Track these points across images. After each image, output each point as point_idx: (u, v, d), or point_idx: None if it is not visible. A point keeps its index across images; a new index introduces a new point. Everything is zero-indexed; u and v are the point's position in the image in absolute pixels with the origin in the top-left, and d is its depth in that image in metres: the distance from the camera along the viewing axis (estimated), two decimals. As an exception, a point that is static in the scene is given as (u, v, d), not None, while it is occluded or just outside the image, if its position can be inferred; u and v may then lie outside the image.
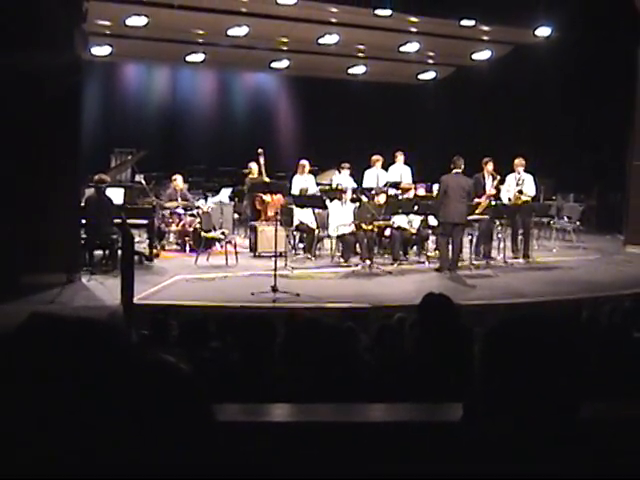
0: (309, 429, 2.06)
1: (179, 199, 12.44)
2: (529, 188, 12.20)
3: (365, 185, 13.29)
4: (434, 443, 1.93)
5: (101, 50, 15.91)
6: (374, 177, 13.38)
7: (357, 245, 11.56)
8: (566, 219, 14.57)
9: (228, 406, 2.22)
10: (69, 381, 0.81)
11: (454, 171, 10.87)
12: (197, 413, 0.87)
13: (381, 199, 11.90)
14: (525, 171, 12.24)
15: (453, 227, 10.66)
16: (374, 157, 13.43)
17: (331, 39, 16.08)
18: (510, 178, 12.24)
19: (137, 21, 14.42)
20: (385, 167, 13.63)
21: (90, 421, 0.78)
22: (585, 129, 15.71)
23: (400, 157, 13.70)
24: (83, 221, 9.98)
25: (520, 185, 12.14)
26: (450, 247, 10.80)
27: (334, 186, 13.09)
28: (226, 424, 1.91)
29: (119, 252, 9.69)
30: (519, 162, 12.19)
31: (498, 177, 11.94)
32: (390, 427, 2.10)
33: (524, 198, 12.13)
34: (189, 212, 12.42)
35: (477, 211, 11.41)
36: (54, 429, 0.77)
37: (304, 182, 12.59)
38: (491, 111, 17.30)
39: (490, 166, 11.92)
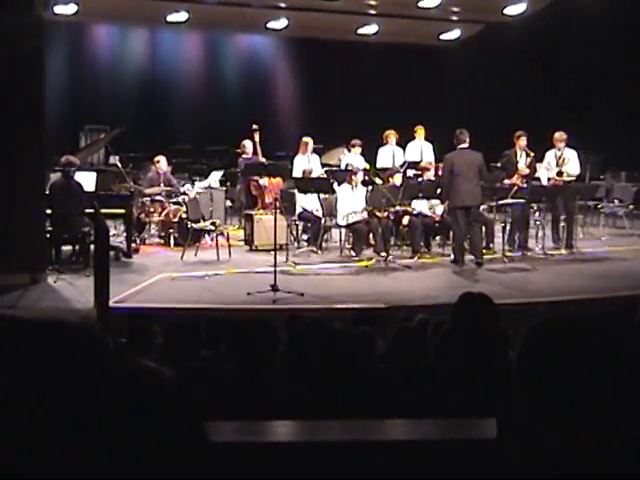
0: (316, 449, 2.07)
1: (162, 184, 12.45)
2: (573, 167, 12.14)
3: (379, 165, 13.28)
4: (462, 464, 1.94)
5: (66, 9, 15.86)
6: (389, 155, 13.37)
7: (370, 235, 11.56)
8: (617, 202, 14.52)
9: (222, 424, 2.23)
10: (32, 394, 0.81)
11: (459, 147, 10.88)
12: (185, 429, 0.87)
13: (397, 181, 11.88)
14: (568, 146, 12.18)
15: (466, 212, 10.68)
16: (387, 132, 13.42)
17: (337, -7, 16.02)
18: (550, 155, 12.19)
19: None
20: (403, 144, 13.62)
21: (59, 437, 0.79)
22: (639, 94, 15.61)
23: (420, 132, 13.68)
24: (48, 211, 10.00)
25: (561, 165, 12.07)
26: (470, 235, 10.81)
27: (343, 167, 13.07)
28: (220, 445, 1.92)
29: (92, 247, 9.71)
30: (559, 137, 12.11)
31: (532, 154, 11.90)
32: (410, 446, 2.11)
33: (566, 178, 12.09)
34: (173, 199, 12.43)
35: (509, 194, 11.40)
36: (18, 445, 0.78)
37: (307, 163, 12.59)
38: (526, 76, 17.21)
39: (523, 141, 11.88)
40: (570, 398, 1.40)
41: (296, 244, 12.12)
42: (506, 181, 11.69)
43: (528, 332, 1.50)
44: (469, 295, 3.96)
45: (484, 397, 3.21)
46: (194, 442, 0.87)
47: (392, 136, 13.41)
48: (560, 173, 12.02)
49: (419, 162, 13.07)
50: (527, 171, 11.87)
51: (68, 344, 0.85)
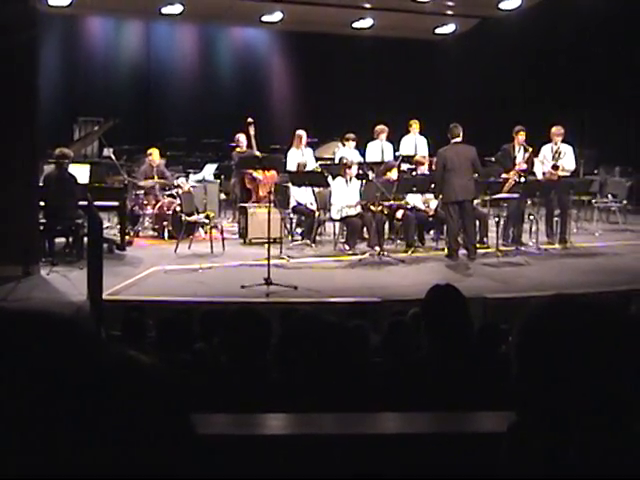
0: (310, 442, 2.06)
1: (155, 177, 12.41)
2: (568, 162, 12.14)
3: (367, 160, 13.25)
4: (455, 457, 1.93)
5: (60, 0, 15.82)
6: (378, 151, 13.34)
7: (364, 229, 11.55)
8: (610, 197, 14.53)
9: (216, 417, 2.22)
10: (18, 386, 0.80)
11: (453, 141, 10.89)
12: (173, 422, 0.86)
13: (393, 175, 11.87)
14: (564, 142, 12.17)
15: (460, 206, 10.69)
16: (378, 127, 13.38)
17: (332, -14, 16.00)
18: (546, 149, 12.17)
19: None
20: (397, 138, 13.60)
21: (44, 429, 0.78)
22: (634, 90, 15.61)
23: (415, 126, 13.67)
24: (42, 203, 9.97)
25: (557, 159, 12.06)
26: (464, 229, 10.81)
27: (337, 161, 13.06)
28: (214, 437, 1.91)
29: (85, 239, 9.68)
30: (557, 131, 12.09)
31: (530, 149, 11.89)
32: (403, 440, 2.10)
33: (561, 173, 12.09)
34: (167, 192, 12.40)
35: (504, 189, 11.40)
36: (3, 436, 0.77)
37: (302, 156, 12.57)
38: (521, 71, 17.22)
39: (522, 136, 11.87)
40: (570, 386, 1.39)
41: (290, 237, 12.11)
42: (503, 175, 11.68)
43: (528, 319, 1.49)
44: (437, 287, 3.97)
45: (476, 390, 3.21)
46: (181, 435, 0.86)
47: (382, 132, 13.36)
48: (556, 167, 12.00)
49: (413, 156, 13.05)
50: (524, 166, 11.87)
51: (55, 336, 0.84)
